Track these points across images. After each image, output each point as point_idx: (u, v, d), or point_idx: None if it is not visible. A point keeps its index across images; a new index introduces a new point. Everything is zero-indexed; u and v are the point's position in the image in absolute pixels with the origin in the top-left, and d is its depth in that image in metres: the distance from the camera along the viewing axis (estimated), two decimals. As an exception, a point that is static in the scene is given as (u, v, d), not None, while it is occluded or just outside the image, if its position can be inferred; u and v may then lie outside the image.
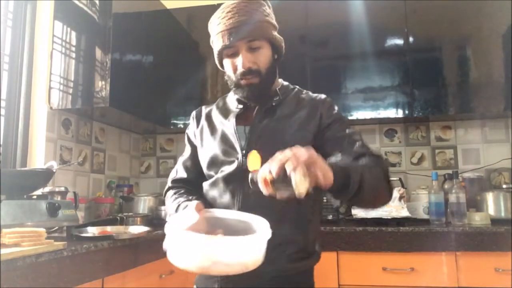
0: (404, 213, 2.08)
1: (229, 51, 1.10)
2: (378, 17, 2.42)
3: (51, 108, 2.12)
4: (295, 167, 0.76)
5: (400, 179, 2.42)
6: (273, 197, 0.82)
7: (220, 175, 1.11)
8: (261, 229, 0.85)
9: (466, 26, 2.33)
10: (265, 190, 0.81)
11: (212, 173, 1.15)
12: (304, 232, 1.08)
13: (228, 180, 1.09)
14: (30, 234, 1.19)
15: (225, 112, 1.20)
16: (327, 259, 1.96)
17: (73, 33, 2.17)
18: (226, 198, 1.08)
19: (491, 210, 2.13)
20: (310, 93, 1.20)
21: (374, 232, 1.94)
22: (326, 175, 0.81)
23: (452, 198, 2.09)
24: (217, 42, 1.11)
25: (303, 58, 2.48)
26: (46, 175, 1.60)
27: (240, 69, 1.08)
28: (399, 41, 2.39)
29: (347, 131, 1.09)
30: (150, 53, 2.47)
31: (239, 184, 1.06)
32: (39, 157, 2.06)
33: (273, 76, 1.15)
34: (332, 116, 1.11)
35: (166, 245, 0.84)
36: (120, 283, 1.55)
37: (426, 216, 2.19)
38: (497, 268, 1.81)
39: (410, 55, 2.36)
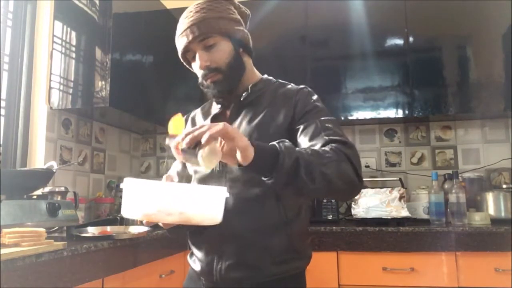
0: (404, 213, 2.08)
1: (190, 55, 1.10)
2: (378, 17, 2.42)
3: (51, 108, 2.12)
4: (205, 143, 0.77)
5: (400, 179, 2.42)
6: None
7: (196, 176, 1.12)
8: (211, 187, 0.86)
9: (466, 26, 2.33)
10: (177, 157, 0.82)
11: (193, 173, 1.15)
12: (288, 233, 1.03)
13: (203, 181, 1.09)
14: (30, 234, 1.19)
15: (206, 113, 1.21)
16: (327, 259, 1.96)
17: (73, 33, 2.17)
18: None
19: (491, 210, 2.13)
20: (290, 86, 1.15)
21: (374, 232, 1.94)
22: (243, 153, 0.79)
23: (452, 198, 2.09)
24: (178, 49, 1.12)
25: (303, 58, 2.48)
26: (46, 175, 1.59)
27: (200, 70, 1.08)
28: (399, 41, 2.39)
29: (320, 119, 1.02)
30: (150, 53, 2.47)
31: (215, 185, 1.05)
32: (39, 157, 2.06)
33: (239, 70, 1.10)
34: (308, 105, 1.06)
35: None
36: (120, 283, 1.55)
37: (426, 216, 2.19)
38: (497, 268, 1.81)
39: (410, 55, 2.36)
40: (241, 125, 1.08)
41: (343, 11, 2.44)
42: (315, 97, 1.10)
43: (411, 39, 2.37)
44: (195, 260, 1.11)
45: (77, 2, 2.15)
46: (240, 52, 1.11)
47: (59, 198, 1.77)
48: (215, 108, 1.18)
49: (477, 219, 2.04)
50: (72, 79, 2.13)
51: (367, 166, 2.62)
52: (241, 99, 1.10)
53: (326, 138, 0.96)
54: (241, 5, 1.18)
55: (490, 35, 2.29)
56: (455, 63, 2.34)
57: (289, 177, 0.83)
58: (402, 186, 2.35)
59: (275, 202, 1.02)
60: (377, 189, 2.21)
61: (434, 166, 2.59)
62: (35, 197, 1.61)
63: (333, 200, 2.28)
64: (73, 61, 2.15)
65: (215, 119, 1.14)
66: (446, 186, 2.32)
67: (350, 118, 2.39)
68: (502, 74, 2.23)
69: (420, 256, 1.90)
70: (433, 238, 1.89)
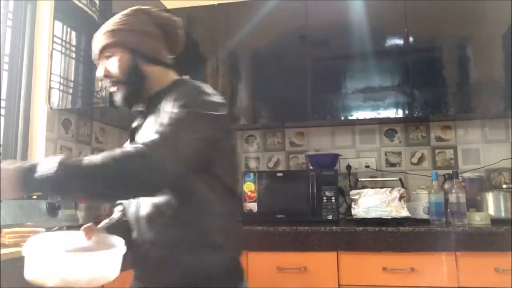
0: (404, 213, 2.08)
1: (98, 62, 1.16)
2: (378, 17, 2.42)
3: (51, 108, 2.12)
4: None
5: (400, 179, 2.42)
6: None
7: None
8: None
9: (466, 26, 2.33)
10: None
11: None
12: (202, 233, 1.00)
13: None
14: (30, 234, 1.19)
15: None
16: (327, 259, 1.96)
17: (73, 33, 2.17)
18: (129, 208, 1.11)
19: (491, 210, 2.13)
20: (187, 86, 1.10)
21: (374, 232, 1.94)
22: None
23: (452, 198, 2.09)
24: None
25: (303, 58, 2.48)
26: (46, 175, 1.59)
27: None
28: (399, 41, 2.39)
29: (163, 122, 0.95)
30: (150, 53, 2.47)
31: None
32: (39, 157, 2.06)
33: (136, 81, 1.10)
34: (174, 106, 0.99)
35: None
36: (120, 283, 1.54)
37: (426, 216, 2.19)
38: (497, 268, 1.81)
39: (410, 55, 2.36)
40: (143, 135, 1.08)
41: (343, 11, 2.44)
42: (192, 96, 1.03)
43: (411, 39, 2.37)
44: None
45: (77, 2, 2.15)
46: (141, 63, 1.11)
47: (59, 198, 1.77)
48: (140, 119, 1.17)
49: (477, 219, 2.04)
50: (72, 79, 2.13)
51: (367, 166, 2.62)
52: (144, 108, 1.13)
53: (136, 145, 0.91)
54: (165, 16, 1.21)
55: (490, 35, 2.29)
56: (455, 63, 2.34)
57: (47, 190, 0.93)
58: (402, 186, 2.35)
59: (175, 213, 1.00)
60: (377, 189, 2.21)
61: (434, 166, 2.59)
62: (35, 197, 1.61)
63: (333, 200, 2.28)
64: (73, 61, 2.15)
65: (132, 132, 1.15)
66: (446, 186, 2.32)
67: (350, 118, 2.38)
68: (502, 74, 2.23)
69: (420, 256, 1.90)
70: (433, 238, 1.89)
